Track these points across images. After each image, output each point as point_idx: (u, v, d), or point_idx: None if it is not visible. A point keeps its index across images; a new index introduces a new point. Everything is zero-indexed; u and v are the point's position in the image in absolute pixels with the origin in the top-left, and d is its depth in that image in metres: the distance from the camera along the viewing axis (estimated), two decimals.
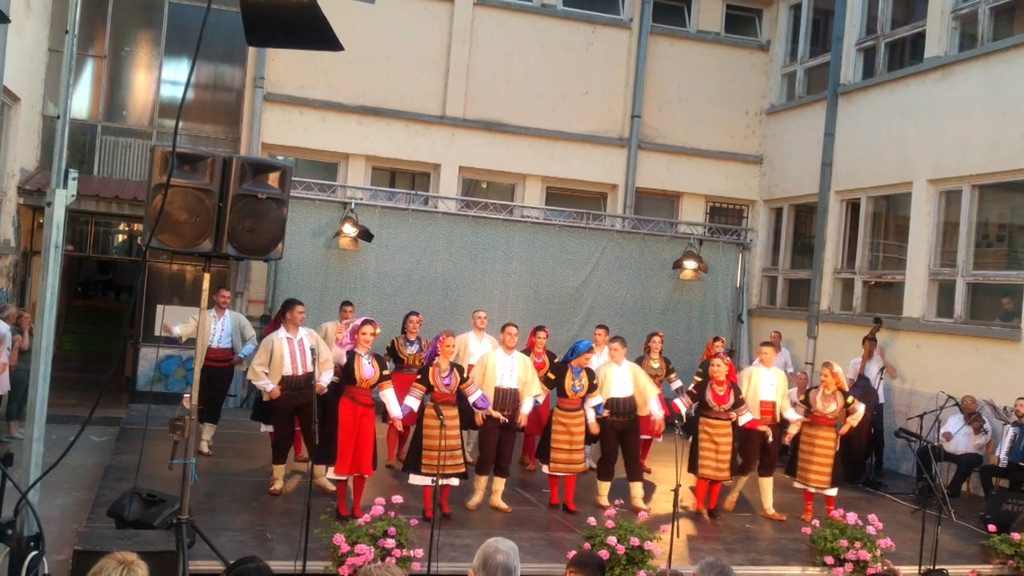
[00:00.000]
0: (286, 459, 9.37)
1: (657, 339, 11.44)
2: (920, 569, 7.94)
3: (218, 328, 10.90)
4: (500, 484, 9.30)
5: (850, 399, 9.81)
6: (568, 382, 9.37)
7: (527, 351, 10.78)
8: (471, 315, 11.35)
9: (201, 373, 10.65)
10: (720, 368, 9.58)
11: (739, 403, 9.61)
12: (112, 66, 15.03)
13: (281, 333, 9.14)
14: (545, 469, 9.56)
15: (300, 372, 9.04)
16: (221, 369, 10.98)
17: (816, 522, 8.59)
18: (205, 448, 10.70)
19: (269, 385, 8.91)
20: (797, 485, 10.03)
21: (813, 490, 9.81)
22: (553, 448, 9.38)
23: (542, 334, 10.77)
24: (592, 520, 7.88)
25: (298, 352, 9.07)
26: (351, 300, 12.78)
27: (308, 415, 8.55)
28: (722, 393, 9.54)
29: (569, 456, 9.38)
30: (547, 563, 7.63)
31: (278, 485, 9.28)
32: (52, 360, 5.44)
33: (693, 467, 9.63)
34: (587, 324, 15.19)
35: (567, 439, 9.35)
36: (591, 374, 9.50)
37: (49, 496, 8.43)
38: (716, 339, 12.15)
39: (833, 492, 9.80)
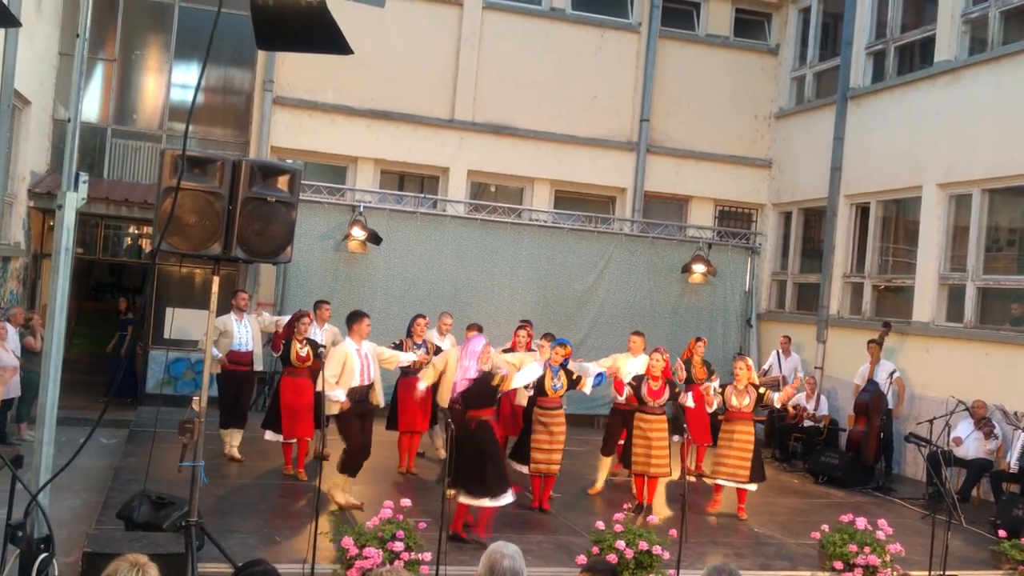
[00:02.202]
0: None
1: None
2: (931, 574, 7.90)
3: (241, 331, 10.78)
4: None
5: (763, 390, 9.94)
6: (548, 382, 9.42)
7: (510, 350, 10.72)
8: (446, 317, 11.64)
9: (227, 378, 10.64)
10: (657, 363, 9.71)
11: (676, 396, 9.83)
12: (122, 69, 15.09)
13: (351, 345, 9.07)
14: (524, 469, 9.59)
15: (365, 382, 9.09)
16: (248, 373, 10.92)
17: (825, 526, 8.54)
18: (237, 454, 10.69)
19: (342, 396, 8.78)
20: (709, 480, 10.11)
21: (723, 483, 9.86)
22: (533, 448, 9.45)
23: (523, 332, 10.77)
24: (600, 524, 7.87)
25: (364, 363, 9.09)
26: (363, 304, 12.86)
27: (370, 426, 8.99)
28: (656, 388, 9.68)
29: (548, 456, 9.44)
30: (555, 567, 7.61)
31: (353, 500, 9.04)
32: (62, 363, 5.45)
33: (627, 462, 9.93)
34: (595, 328, 15.22)
35: (547, 439, 9.43)
36: (569, 372, 9.55)
37: (59, 498, 8.43)
38: (698, 339, 12.14)
39: (752, 487, 9.87)
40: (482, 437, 8.16)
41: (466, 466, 7.97)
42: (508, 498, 8.13)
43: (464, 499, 8.05)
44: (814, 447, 12.85)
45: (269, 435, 10.34)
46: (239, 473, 10.21)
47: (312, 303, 11.74)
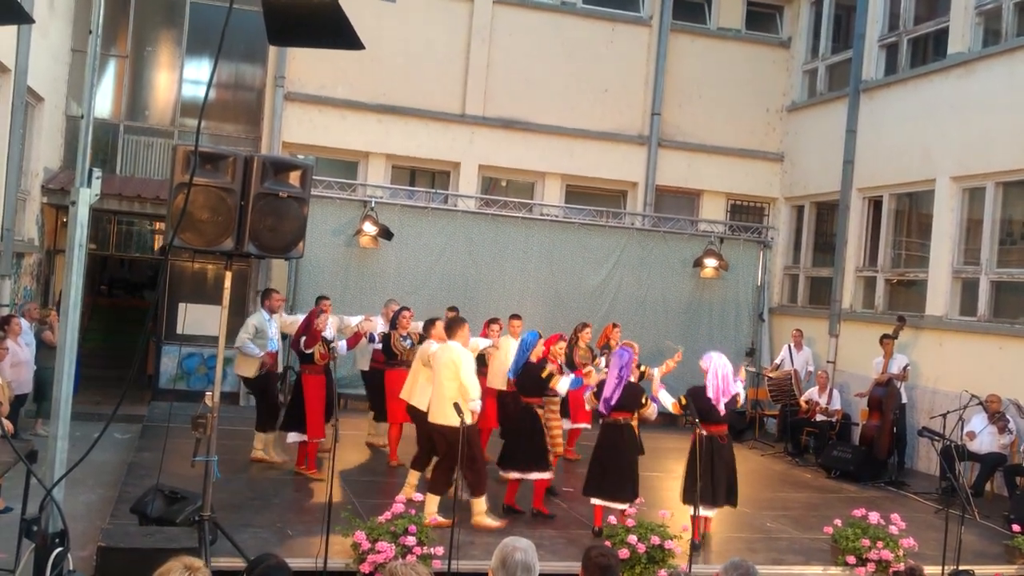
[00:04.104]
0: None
1: (616, 329, 11.84)
2: (944, 569, 7.87)
3: (272, 330, 10.59)
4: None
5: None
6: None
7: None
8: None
9: (264, 380, 10.48)
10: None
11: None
12: (134, 66, 15.13)
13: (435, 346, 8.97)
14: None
15: None
16: (276, 373, 10.89)
17: (838, 521, 8.52)
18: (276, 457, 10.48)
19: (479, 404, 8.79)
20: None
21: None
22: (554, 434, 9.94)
23: (495, 327, 10.77)
24: (612, 519, 7.88)
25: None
26: (374, 299, 12.85)
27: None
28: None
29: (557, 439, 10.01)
30: (567, 561, 7.62)
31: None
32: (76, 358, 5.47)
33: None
34: (607, 323, 15.15)
35: (557, 424, 10.11)
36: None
37: (73, 493, 8.47)
38: (614, 325, 12.15)
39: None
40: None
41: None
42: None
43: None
44: (826, 441, 12.81)
45: (293, 436, 10.07)
46: (252, 468, 10.23)
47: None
